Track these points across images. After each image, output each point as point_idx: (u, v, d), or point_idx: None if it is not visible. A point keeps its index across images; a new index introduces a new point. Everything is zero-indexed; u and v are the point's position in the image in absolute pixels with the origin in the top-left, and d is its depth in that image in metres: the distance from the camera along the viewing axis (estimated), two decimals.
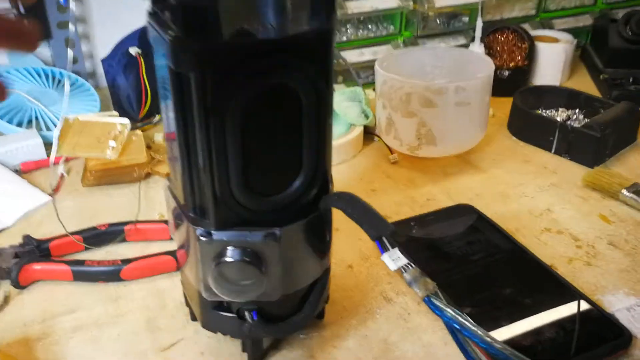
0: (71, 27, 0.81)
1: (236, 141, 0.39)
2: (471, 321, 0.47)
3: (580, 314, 0.54)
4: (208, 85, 0.37)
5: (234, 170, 0.40)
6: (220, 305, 0.47)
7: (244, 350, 0.51)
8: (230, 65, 0.37)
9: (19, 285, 0.59)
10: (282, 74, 0.38)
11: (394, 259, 0.47)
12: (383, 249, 0.46)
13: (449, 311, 0.47)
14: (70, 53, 0.70)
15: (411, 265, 0.48)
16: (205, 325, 0.50)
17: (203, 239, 0.42)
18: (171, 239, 0.65)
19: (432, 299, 0.48)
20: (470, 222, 0.68)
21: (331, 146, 0.45)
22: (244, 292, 0.44)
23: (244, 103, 0.38)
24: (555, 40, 1.05)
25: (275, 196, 0.43)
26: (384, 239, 0.45)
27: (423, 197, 0.74)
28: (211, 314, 0.48)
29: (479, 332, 0.47)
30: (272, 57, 0.37)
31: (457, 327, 0.47)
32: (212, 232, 0.42)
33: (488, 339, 0.46)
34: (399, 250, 0.47)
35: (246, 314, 0.46)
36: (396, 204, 0.73)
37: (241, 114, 0.38)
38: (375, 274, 0.62)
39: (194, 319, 0.54)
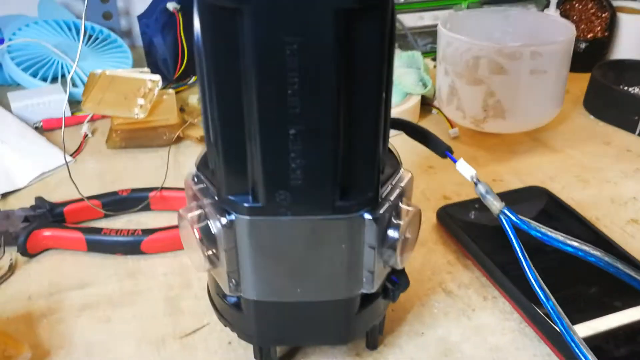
0: None
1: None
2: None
3: None
4: None
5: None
6: None
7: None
8: None
9: (26, 253, 0.52)
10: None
11: (466, 168, 0.41)
12: (456, 158, 0.42)
13: (534, 224, 0.39)
14: None
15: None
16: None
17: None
18: None
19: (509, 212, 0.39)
20: (544, 208, 0.59)
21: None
22: None
23: None
24: (639, 11, 0.93)
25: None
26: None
27: (488, 177, 0.65)
28: None
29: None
30: None
31: (550, 239, 0.38)
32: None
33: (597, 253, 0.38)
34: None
35: None
36: (456, 184, 0.64)
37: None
38: (433, 261, 0.53)
39: None
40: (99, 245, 0.52)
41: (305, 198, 0.34)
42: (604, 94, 0.77)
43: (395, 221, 0.37)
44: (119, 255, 0.53)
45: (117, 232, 0.52)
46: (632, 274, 0.40)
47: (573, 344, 0.37)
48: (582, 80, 0.81)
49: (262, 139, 0.32)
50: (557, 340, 0.43)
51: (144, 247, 0.52)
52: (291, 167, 0.33)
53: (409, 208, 0.38)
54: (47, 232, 0.52)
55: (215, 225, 0.36)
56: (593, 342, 0.40)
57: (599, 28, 0.89)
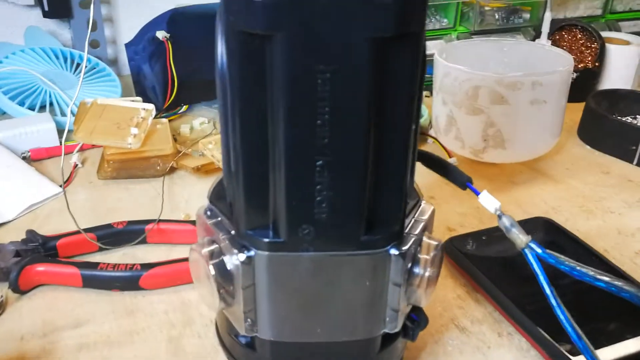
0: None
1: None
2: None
3: None
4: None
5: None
6: None
7: None
8: None
9: (18, 290, 0.49)
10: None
11: (490, 201, 0.40)
12: (478, 190, 0.41)
13: (562, 258, 0.37)
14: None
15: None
16: None
17: None
18: None
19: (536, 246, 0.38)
20: (551, 239, 0.58)
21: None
22: None
23: None
24: (626, 42, 0.94)
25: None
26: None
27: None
28: None
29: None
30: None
31: (580, 274, 0.37)
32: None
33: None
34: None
35: None
36: (460, 214, 0.62)
37: None
38: (443, 296, 0.51)
39: None
40: (95, 280, 0.50)
41: (329, 233, 0.33)
42: (600, 124, 0.77)
43: (420, 256, 0.35)
44: (116, 291, 0.50)
45: (114, 266, 0.50)
46: None
47: None
48: (574, 110, 0.81)
49: (288, 170, 0.30)
50: None
51: (143, 282, 0.50)
52: (317, 199, 0.31)
53: (433, 242, 0.36)
54: (40, 267, 0.49)
55: (232, 262, 0.34)
56: None
57: (589, 58, 0.89)
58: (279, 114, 0.29)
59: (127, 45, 0.87)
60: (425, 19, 0.30)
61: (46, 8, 0.90)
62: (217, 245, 0.35)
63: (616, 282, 0.36)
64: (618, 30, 1.02)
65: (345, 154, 0.30)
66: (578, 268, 0.37)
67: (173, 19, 0.85)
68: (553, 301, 0.38)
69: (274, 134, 0.30)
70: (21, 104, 0.76)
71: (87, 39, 0.60)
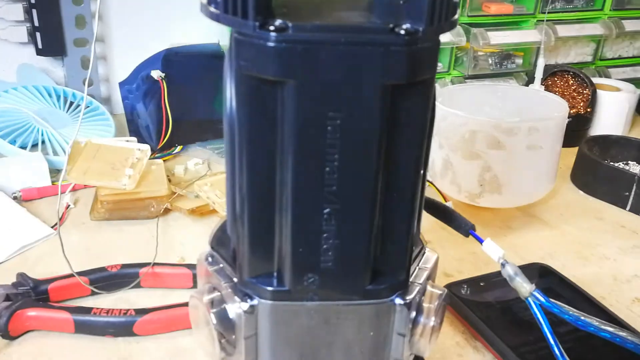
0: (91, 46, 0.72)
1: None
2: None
3: None
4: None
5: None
6: None
7: None
8: None
9: (8, 335, 0.48)
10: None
11: (494, 249, 0.40)
12: (482, 238, 0.41)
13: (566, 307, 0.37)
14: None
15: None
16: None
17: None
18: (195, 287, 0.54)
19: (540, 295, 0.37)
20: (548, 285, 0.57)
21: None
22: None
23: None
24: (616, 89, 0.96)
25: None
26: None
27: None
28: None
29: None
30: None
31: (585, 324, 0.36)
32: None
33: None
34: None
35: None
36: (457, 260, 0.62)
37: None
38: (441, 343, 0.51)
39: None
40: (88, 326, 0.49)
41: (334, 282, 0.32)
42: (593, 170, 0.77)
43: (425, 305, 0.35)
44: (109, 337, 0.49)
45: (108, 312, 0.49)
46: None
47: None
48: (567, 155, 0.81)
49: (295, 216, 0.30)
50: None
51: (137, 328, 0.49)
52: (323, 247, 0.31)
53: (437, 291, 0.36)
54: (31, 312, 0.48)
55: (234, 311, 0.33)
56: None
57: (581, 104, 0.90)
58: (287, 159, 0.29)
59: (121, 84, 0.87)
60: (436, 67, 0.30)
61: (40, 46, 0.90)
62: (218, 293, 0.34)
63: (620, 333, 0.36)
64: (608, 76, 1.04)
65: (353, 201, 0.30)
66: (582, 318, 0.37)
67: (167, 59, 0.85)
68: (557, 351, 0.38)
69: (281, 179, 0.30)
70: (12, 142, 0.76)
71: (87, 78, 0.59)
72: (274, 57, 0.26)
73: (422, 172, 0.32)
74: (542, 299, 0.37)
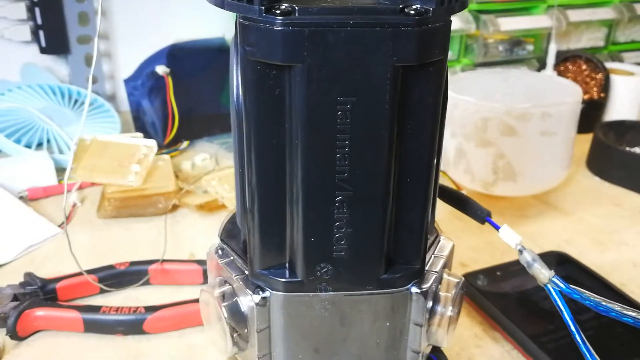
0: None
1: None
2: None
3: None
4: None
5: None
6: None
7: None
8: None
9: (16, 336, 0.47)
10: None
11: (511, 235, 0.39)
12: (498, 225, 0.39)
13: (587, 293, 0.35)
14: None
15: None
16: None
17: None
18: (205, 283, 0.53)
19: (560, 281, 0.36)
20: (567, 274, 0.56)
21: None
22: None
23: None
24: (630, 73, 0.94)
25: None
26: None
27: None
28: None
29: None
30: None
31: (607, 310, 0.35)
32: None
33: None
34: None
35: None
36: (472, 249, 0.61)
37: None
38: (459, 335, 0.49)
39: None
40: (98, 325, 0.48)
41: (348, 271, 0.31)
42: (609, 155, 0.76)
43: (441, 294, 0.34)
44: (119, 335, 0.48)
45: (117, 309, 0.48)
46: None
47: None
48: (581, 141, 0.80)
49: (306, 205, 0.29)
50: None
51: (147, 326, 0.48)
52: (335, 236, 0.30)
53: (454, 279, 0.35)
54: (39, 312, 0.47)
55: (246, 304, 0.32)
56: None
57: (595, 89, 0.88)
58: (297, 147, 0.28)
59: (126, 81, 0.86)
60: (448, 48, 0.29)
61: (43, 44, 0.89)
62: (229, 286, 0.33)
63: None
64: (621, 61, 1.02)
65: (366, 188, 0.29)
66: (604, 304, 0.35)
67: (172, 54, 0.85)
68: (578, 338, 0.36)
69: (291, 168, 0.28)
70: (17, 141, 0.75)
71: (92, 75, 0.58)
72: (281, 41, 0.25)
73: (435, 158, 0.31)
74: (562, 285, 0.36)
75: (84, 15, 0.90)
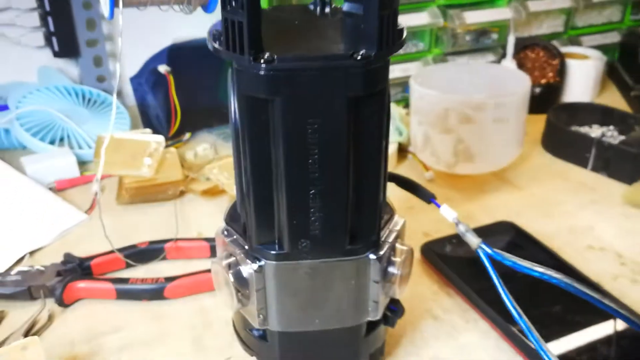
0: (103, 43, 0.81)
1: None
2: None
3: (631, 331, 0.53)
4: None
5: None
6: None
7: None
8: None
9: (63, 304, 0.58)
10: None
11: (449, 212, 0.49)
12: (439, 204, 0.50)
13: (507, 255, 0.46)
14: (117, 68, 0.69)
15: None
16: None
17: None
18: (211, 256, 0.64)
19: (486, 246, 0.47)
20: (512, 239, 0.67)
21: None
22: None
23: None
24: (585, 57, 1.04)
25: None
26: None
27: (461, 214, 0.72)
28: None
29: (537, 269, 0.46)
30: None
31: (520, 267, 0.46)
32: None
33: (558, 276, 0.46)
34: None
35: None
36: (435, 221, 0.71)
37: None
38: (420, 291, 0.61)
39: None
40: (127, 293, 0.59)
41: (322, 245, 0.42)
42: (559, 135, 0.86)
43: (393, 259, 0.45)
44: (145, 301, 0.59)
45: (142, 280, 0.59)
46: (590, 293, 0.47)
47: (544, 354, 0.45)
48: (539, 122, 0.90)
49: (288, 197, 0.40)
50: (530, 354, 0.51)
51: (167, 292, 0.59)
52: (311, 219, 0.41)
53: (404, 247, 0.46)
54: (81, 284, 0.58)
55: (247, 271, 0.43)
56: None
57: (551, 74, 0.99)
58: (280, 154, 0.38)
59: (131, 79, 0.96)
60: (388, 79, 0.39)
61: (56, 48, 0.99)
62: (234, 258, 0.44)
63: (547, 272, 0.46)
64: (579, 44, 1.12)
65: (332, 184, 0.40)
66: (518, 262, 0.46)
67: (172, 53, 0.94)
68: (500, 289, 0.47)
69: (276, 170, 0.39)
70: (42, 139, 0.85)
71: (119, 78, 0.68)
72: (265, 82, 0.36)
73: (383, 159, 0.41)
74: (488, 250, 0.47)
75: (91, 21, 0.99)
